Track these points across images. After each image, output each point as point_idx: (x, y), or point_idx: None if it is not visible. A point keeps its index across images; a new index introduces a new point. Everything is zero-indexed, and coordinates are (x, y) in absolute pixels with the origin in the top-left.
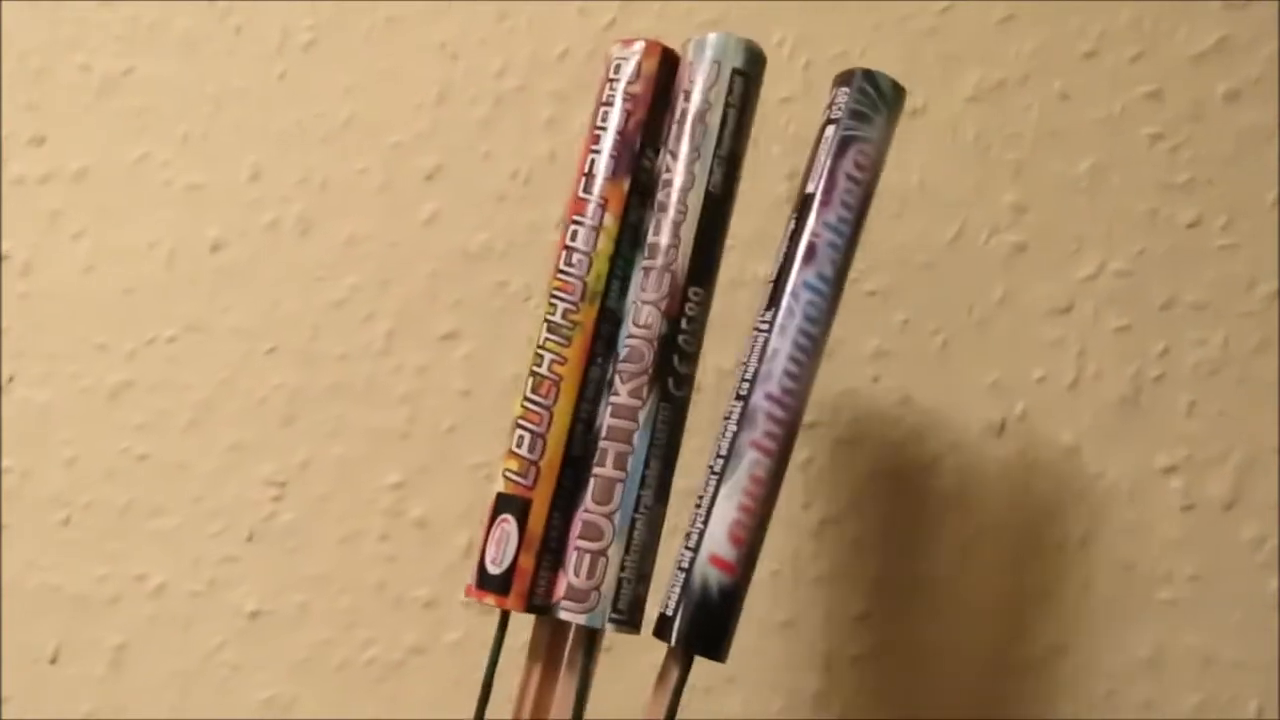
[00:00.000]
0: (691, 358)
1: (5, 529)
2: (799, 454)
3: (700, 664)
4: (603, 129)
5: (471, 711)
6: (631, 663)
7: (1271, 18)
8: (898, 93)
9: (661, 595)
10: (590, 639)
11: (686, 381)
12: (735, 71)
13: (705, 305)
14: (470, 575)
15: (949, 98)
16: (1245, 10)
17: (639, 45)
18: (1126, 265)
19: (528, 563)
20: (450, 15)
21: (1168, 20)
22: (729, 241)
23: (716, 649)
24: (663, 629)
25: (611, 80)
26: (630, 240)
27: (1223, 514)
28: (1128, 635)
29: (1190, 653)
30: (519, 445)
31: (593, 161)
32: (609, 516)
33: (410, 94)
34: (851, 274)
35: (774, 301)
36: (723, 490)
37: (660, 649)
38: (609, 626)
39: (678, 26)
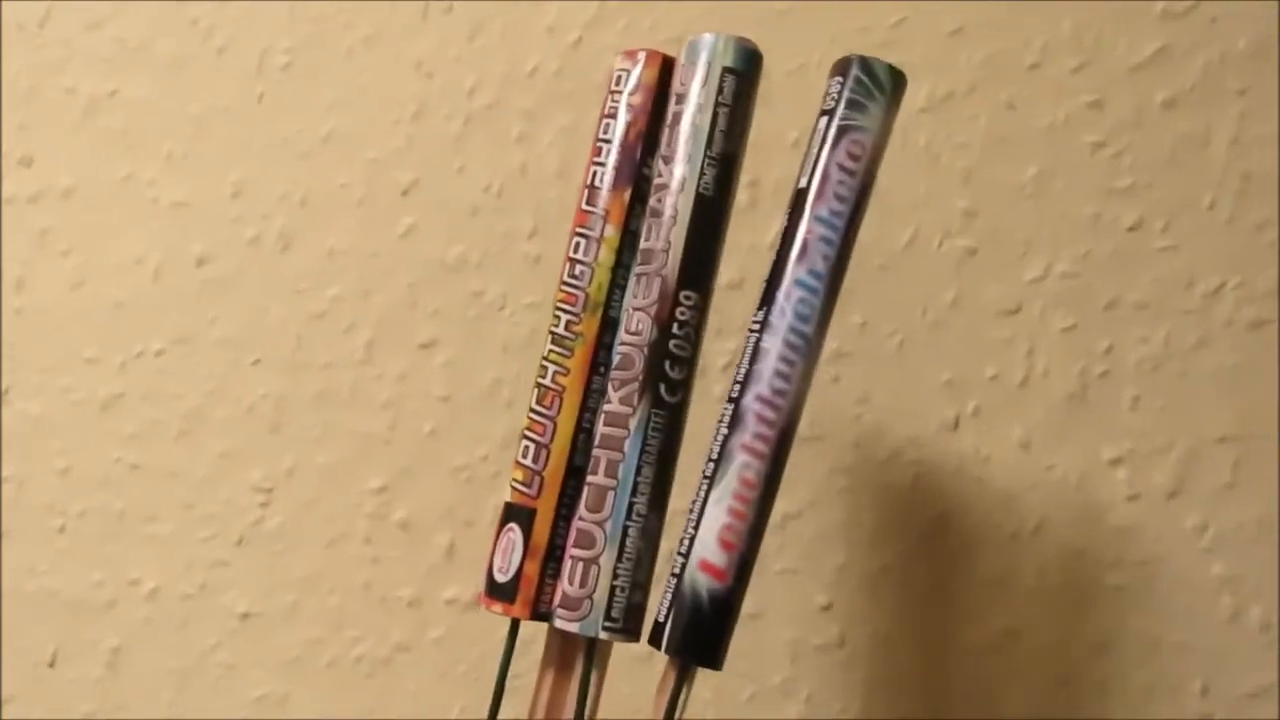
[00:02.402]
0: (686, 363)
1: (3, 537)
2: None
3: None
4: (605, 141)
5: (456, 706)
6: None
7: (1206, 29)
8: (896, 79)
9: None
10: (590, 646)
11: (681, 387)
12: (726, 70)
13: (701, 309)
14: (481, 583)
15: (902, 109)
16: (1181, 22)
17: (640, 55)
18: (1072, 267)
19: (533, 570)
20: (425, 35)
21: (1108, 33)
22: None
23: (710, 657)
24: (655, 636)
25: (614, 92)
26: (632, 250)
27: (1167, 503)
28: (1079, 619)
29: (1138, 635)
30: (524, 456)
31: (595, 174)
32: (601, 525)
33: (387, 111)
34: None
35: (765, 301)
36: (713, 495)
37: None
38: (603, 634)
39: (642, 43)
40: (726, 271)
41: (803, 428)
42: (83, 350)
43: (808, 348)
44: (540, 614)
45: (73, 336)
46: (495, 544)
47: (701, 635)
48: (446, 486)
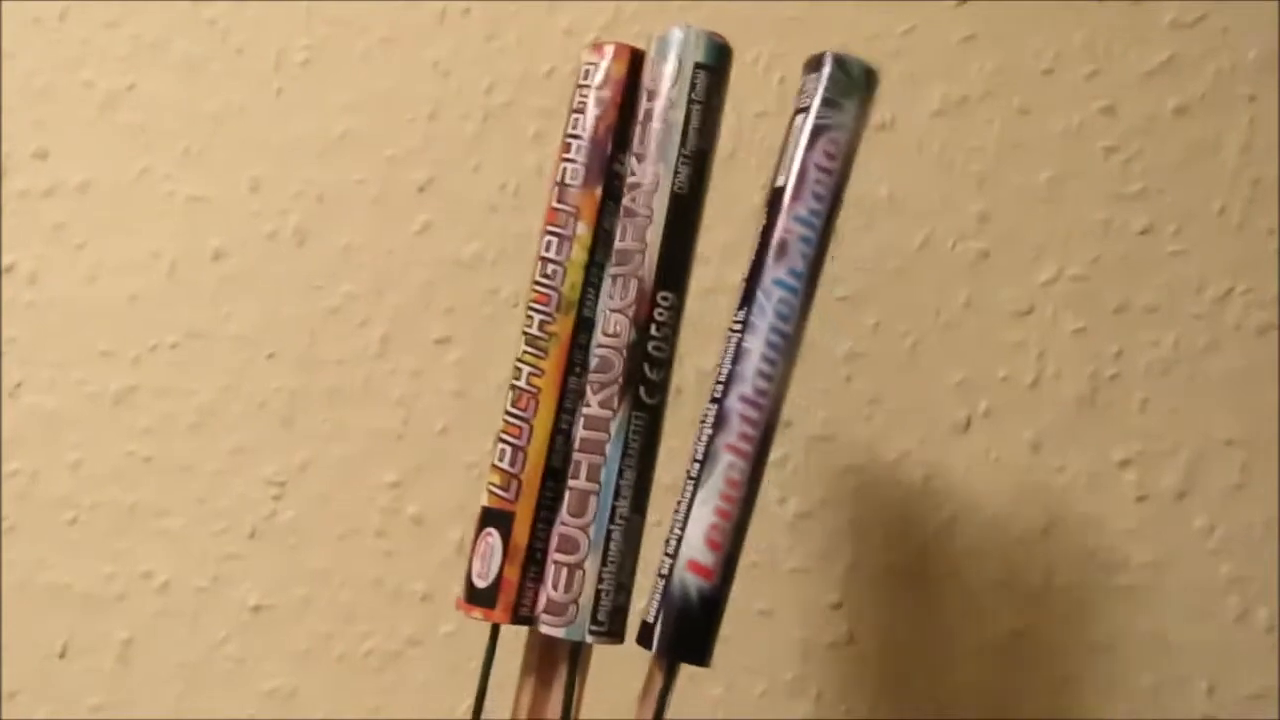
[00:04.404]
0: (664, 364)
1: (15, 529)
2: (776, 451)
3: None
4: (574, 137)
5: (466, 701)
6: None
7: (1216, 38)
8: (869, 77)
9: (644, 602)
10: (575, 650)
11: (660, 388)
12: (698, 66)
13: (677, 310)
14: (462, 590)
15: (915, 113)
16: (1192, 31)
17: (608, 49)
18: (1083, 270)
19: (513, 575)
20: (442, 35)
21: (1120, 40)
22: (705, 254)
23: (699, 655)
24: (644, 637)
25: (581, 86)
26: (605, 248)
27: (1175, 504)
28: (1087, 619)
29: (1145, 635)
30: (501, 459)
31: (565, 170)
32: (584, 529)
33: (403, 110)
34: (825, 280)
35: (746, 301)
36: (699, 495)
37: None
38: (590, 638)
39: None
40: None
41: (814, 427)
42: (96, 344)
43: (788, 346)
44: (521, 618)
45: (87, 330)
46: (473, 549)
47: (690, 634)
48: (459, 482)
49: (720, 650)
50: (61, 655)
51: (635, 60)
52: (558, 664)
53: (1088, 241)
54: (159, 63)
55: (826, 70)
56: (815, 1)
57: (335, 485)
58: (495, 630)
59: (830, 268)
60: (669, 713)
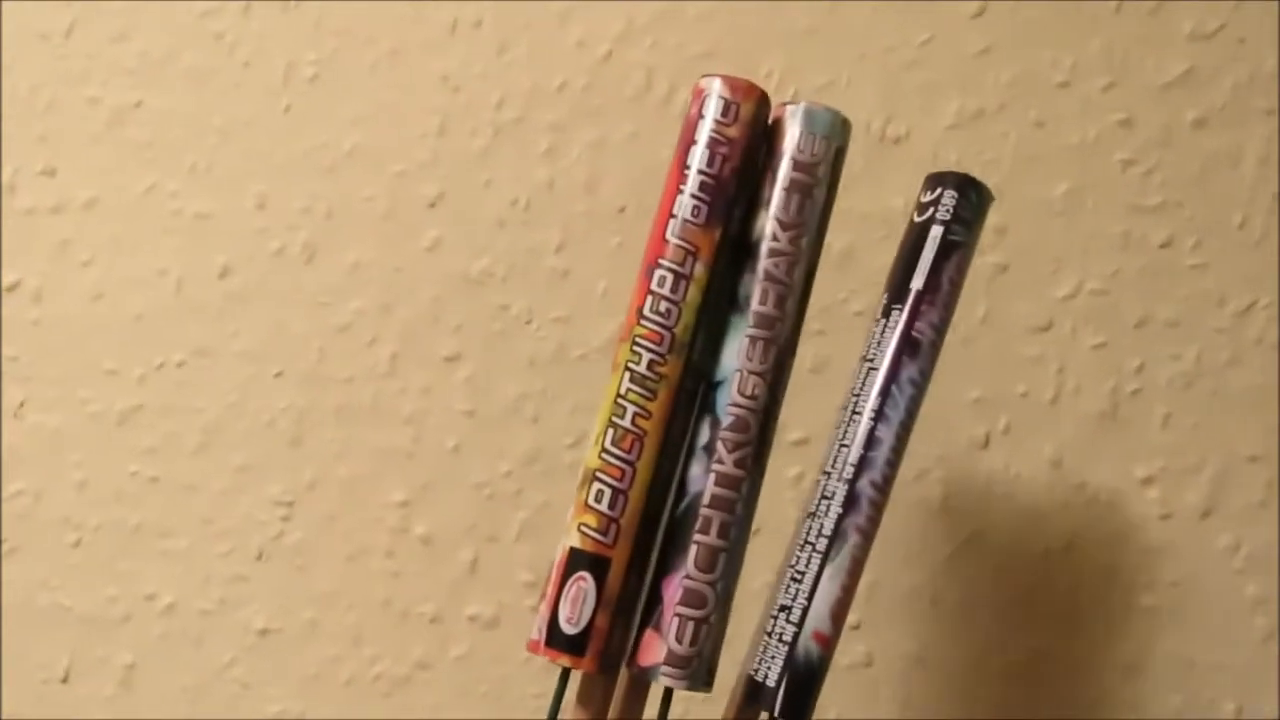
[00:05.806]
0: (775, 429)
1: (17, 551)
2: (791, 469)
3: None
4: (702, 172)
5: None
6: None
7: (1234, 49)
8: (990, 203)
9: (742, 658)
10: (667, 698)
11: (769, 453)
12: (839, 150)
13: (788, 378)
14: (537, 631)
15: (930, 126)
16: (1210, 42)
17: (738, 85)
18: (1102, 285)
19: (604, 622)
20: (451, 49)
21: (1137, 52)
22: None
23: (804, 715)
24: (760, 697)
25: (703, 118)
26: (718, 294)
27: (1199, 522)
28: (1110, 640)
29: (1171, 656)
30: (598, 500)
31: (682, 204)
32: (712, 585)
33: (413, 125)
34: (840, 294)
35: (877, 389)
36: (827, 570)
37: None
38: (703, 689)
39: (670, 59)
40: None
41: None
42: (102, 362)
43: (907, 440)
44: (605, 665)
45: (92, 348)
46: (560, 591)
47: (805, 697)
48: (469, 502)
49: (737, 671)
50: (64, 679)
51: (763, 104)
52: (636, 707)
53: (1107, 255)
54: (166, 77)
55: (962, 191)
56: (833, 3)
57: (343, 505)
58: (566, 674)
59: (847, 282)
60: None
